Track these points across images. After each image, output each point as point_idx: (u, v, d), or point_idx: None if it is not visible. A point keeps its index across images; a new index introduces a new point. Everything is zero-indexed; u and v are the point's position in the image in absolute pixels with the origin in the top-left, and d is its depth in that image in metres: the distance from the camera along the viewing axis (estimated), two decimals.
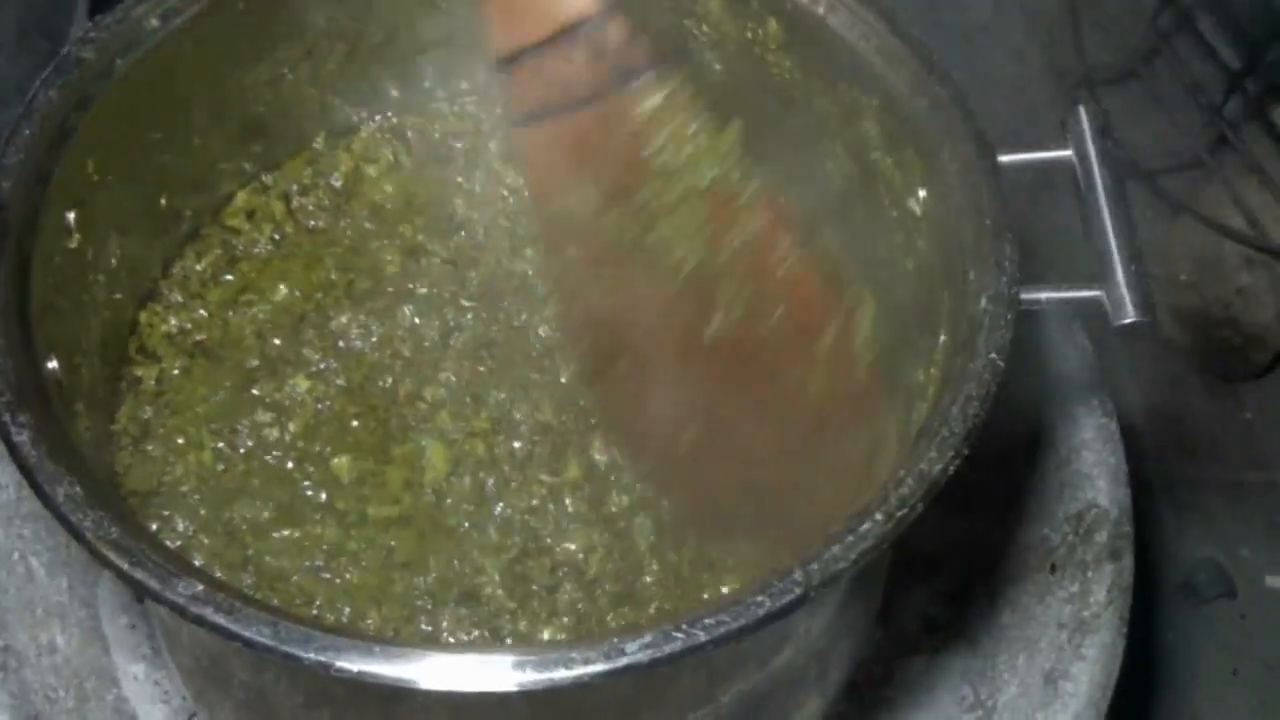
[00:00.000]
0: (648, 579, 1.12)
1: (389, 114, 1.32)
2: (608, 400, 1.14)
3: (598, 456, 1.16)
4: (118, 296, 1.14)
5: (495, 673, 0.82)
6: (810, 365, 1.06)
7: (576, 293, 1.13)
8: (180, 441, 1.14)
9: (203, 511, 1.11)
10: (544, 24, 1.04)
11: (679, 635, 0.83)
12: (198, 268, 1.22)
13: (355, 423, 1.16)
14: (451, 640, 1.05)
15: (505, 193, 1.30)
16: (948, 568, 1.34)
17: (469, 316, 1.23)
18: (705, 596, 1.10)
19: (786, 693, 1.14)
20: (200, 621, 0.83)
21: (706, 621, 0.84)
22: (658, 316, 1.08)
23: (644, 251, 1.07)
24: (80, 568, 1.28)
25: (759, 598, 0.85)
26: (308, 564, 1.10)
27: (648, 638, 0.83)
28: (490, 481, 1.15)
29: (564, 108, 1.05)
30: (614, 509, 1.14)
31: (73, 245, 1.05)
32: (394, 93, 1.31)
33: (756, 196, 1.07)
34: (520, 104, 1.06)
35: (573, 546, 1.12)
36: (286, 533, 1.11)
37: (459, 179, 1.31)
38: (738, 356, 1.07)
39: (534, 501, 1.14)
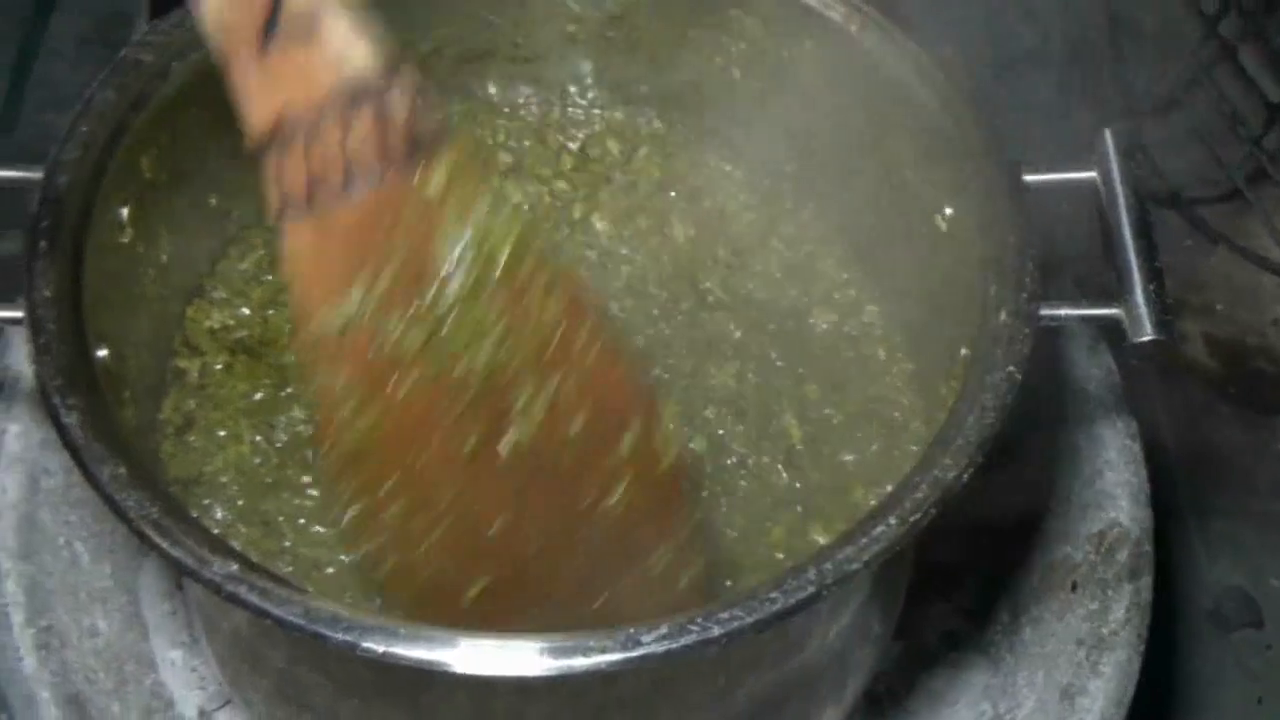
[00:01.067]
0: None
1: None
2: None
3: None
4: (166, 291, 1.18)
5: (515, 658, 0.85)
6: (613, 472, 0.95)
7: (346, 425, 0.94)
8: (221, 434, 1.18)
9: (241, 502, 1.15)
10: (312, 92, 0.87)
11: (694, 628, 0.86)
12: (241, 266, 1.26)
13: None
14: None
15: (524, 205, 1.34)
16: (969, 583, 1.36)
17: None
18: None
19: (804, 699, 1.15)
20: (234, 600, 0.87)
21: (721, 615, 0.87)
22: (444, 440, 0.94)
23: (428, 362, 0.92)
24: (123, 555, 1.32)
25: (772, 594, 0.87)
26: (344, 557, 1.13)
27: (664, 629, 0.86)
28: None
29: (334, 196, 0.89)
30: None
31: (125, 240, 1.09)
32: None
33: (554, 281, 0.93)
34: (281, 197, 0.89)
35: None
36: (321, 529, 1.14)
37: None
38: (538, 467, 0.94)
39: None
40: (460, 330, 0.91)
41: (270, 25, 0.84)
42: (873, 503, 1.13)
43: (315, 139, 0.86)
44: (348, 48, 0.86)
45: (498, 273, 0.90)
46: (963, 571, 1.36)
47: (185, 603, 1.31)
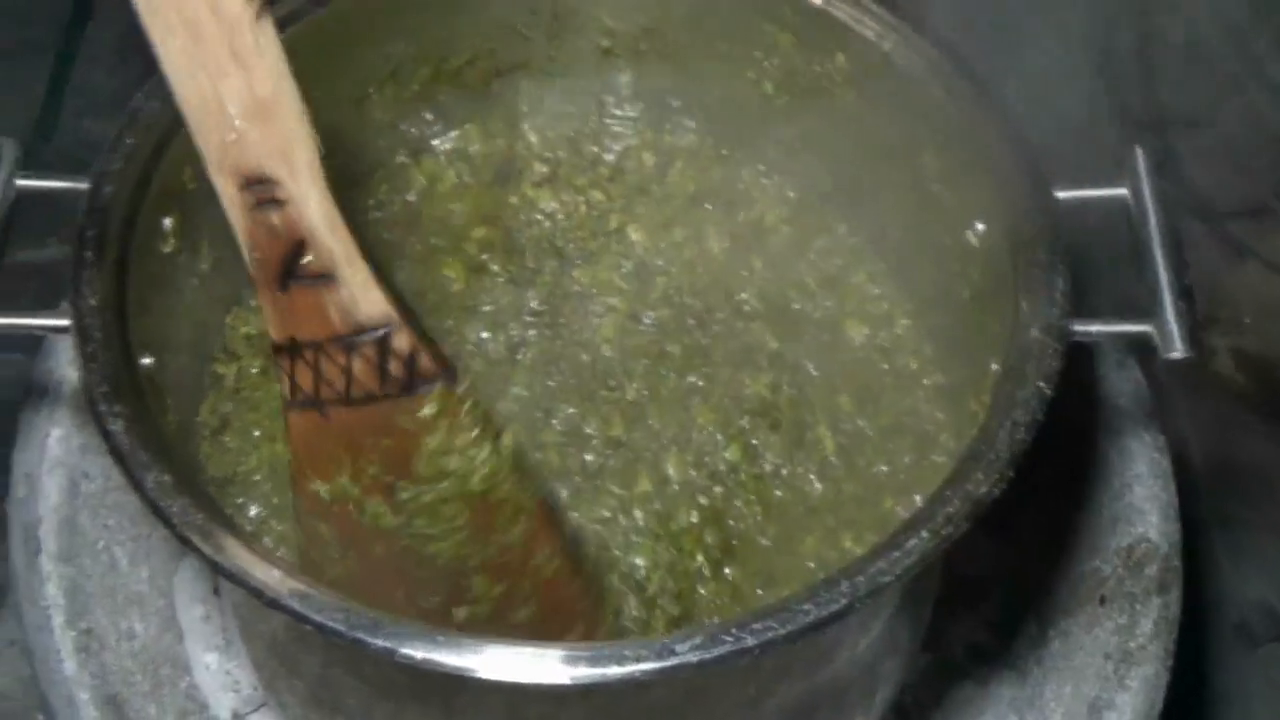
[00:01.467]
0: (703, 592, 1.16)
1: (465, 132, 1.37)
2: None
3: (670, 471, 1.20)
4: (206, 299, 1.20)
5: (550, 666, 0.86)
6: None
7: (326, 563, 1.06)
8: (255, 434, 1.20)
9: (275, 499, 1.17)
10: (323, 326, 0.98)
11: (728, 638, 0.87)
12: None
13: None
14: None
15: (560, 214, 1.35)
16: (997, 596, 1.36)
17: (533, 333, 1.28)
18: None
19: (832, 710, 1.16)
20: (276, 606, 0.88)
21: (754, 626, 0.88)
22: (408, 591, 1.05)
23: (401, 537, 1.04)
24: (160, 558, 1.34)
25: (805, 606, 0.89)
26: None
27: (698, 639, 0.87)
28: (564, 492, 1.19)
29: (337, 402, 1.00)
30: (681, 525, 1.18)
31: (168, 250, 1.11)
32: (469, 113, 1.36)
33: (523, 509, 1.05)
34: (291, 388, 1.00)
35: (639, 561, 1.16)
36: None
37: (513, 199, 1.36)
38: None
39: (605, 513, 1.18)
40: (432, 524, 1.03)
41: (290, 271, 0.96)
42: (903, 514, 1.15)
43: (323, 356, 0.98)
44: (361, 296, 0.96)
45: (470, 493, 1.03)
46: (990, 584, 1.37)
47: (220, 607, 1.33)
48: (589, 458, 1.20)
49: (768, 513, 1.19)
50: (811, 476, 1.20)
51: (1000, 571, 1.36)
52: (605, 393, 1.24)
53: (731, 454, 1.20)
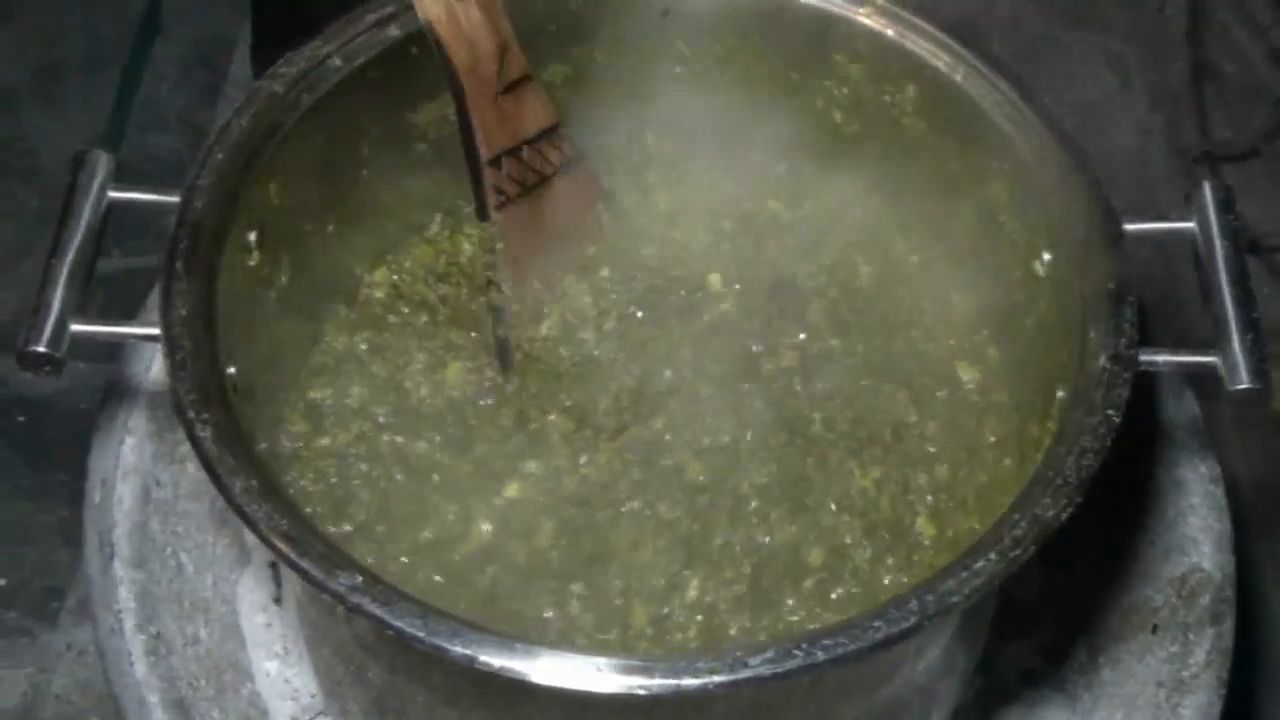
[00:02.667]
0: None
1: None
2: None
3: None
4: (283, 311, 1.22)
5: (628, 677, 0.88)
6: None
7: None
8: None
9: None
10: (521, 130, 1.25)
11: (799, 653, 0.89)
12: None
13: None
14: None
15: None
16: (1049, 622, 1.37)
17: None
18: None
19: None
20: (358, 611, 0.90)
21: (825, 642, 0.90)
22: None
23: None
24: (224, 566, 1.37)
25: (875, 623, 0.90)
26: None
27: (770, 653, 0.89)
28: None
29: (527, 191, 1.27)
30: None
31: (251, 263, 1.14)
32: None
33: None
34: (497, 195, 1.25)
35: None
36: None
37: None
38: None
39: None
40: None
41: (501, 78, 1.22)
42: (949, 533, 1.18)
43: (519, 157, 1.26)
44: (541, 105, 1.27)
45: None
46: (1042, 610, 1.37)
47: (280, 615, 1.35)
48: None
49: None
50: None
51: (1052, 597, 1.37)
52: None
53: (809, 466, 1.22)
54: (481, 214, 1.26)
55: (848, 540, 1.17)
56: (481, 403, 1.25)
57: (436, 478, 1.20)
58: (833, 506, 1.19)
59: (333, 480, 1.19)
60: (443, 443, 1.22)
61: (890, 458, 1.22)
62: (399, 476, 1.20)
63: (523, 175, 1.26)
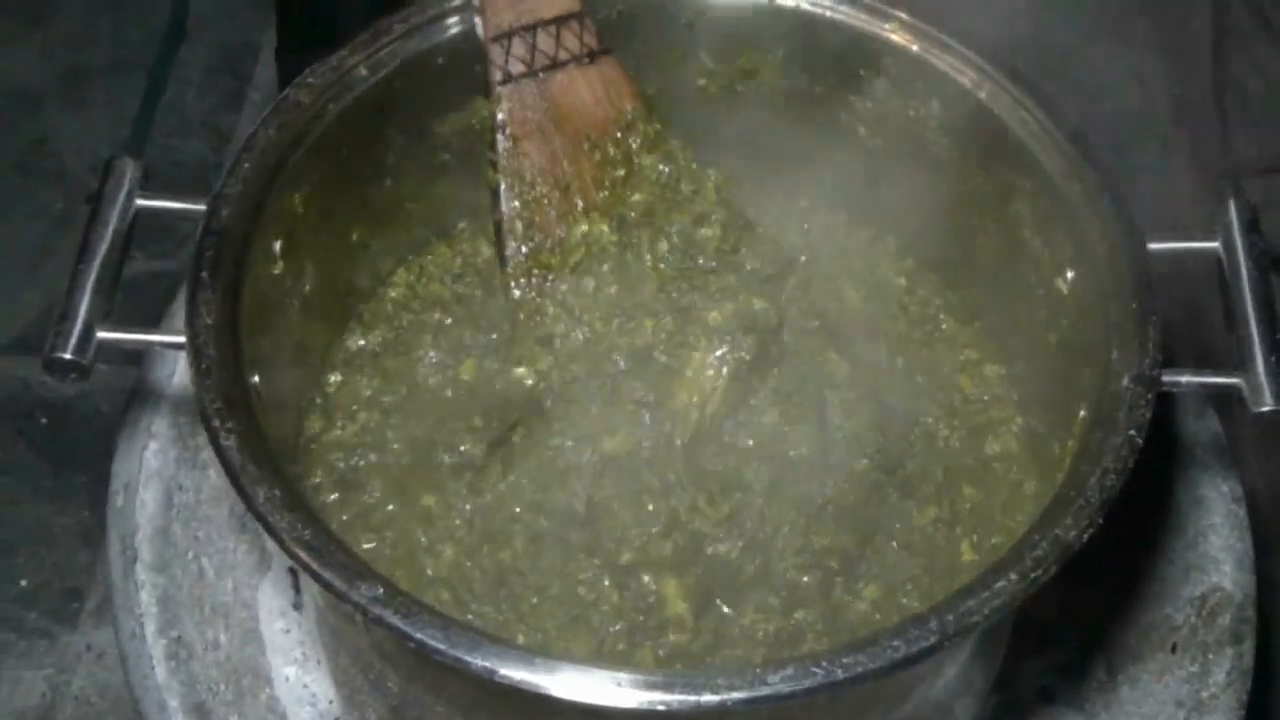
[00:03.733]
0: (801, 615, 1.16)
1: None
2: None
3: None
4: (307, 320, 1.23)
5: (648, 692, 0.88)
6: None
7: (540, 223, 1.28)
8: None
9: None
10: (532, 15, 1.26)
11: (818, 670, 0.89)
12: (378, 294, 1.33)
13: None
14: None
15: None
16: (1067, 640, 1.37)
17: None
18: None
19: None
20: (379, 622, 0.91)
21: (844, 660, 0.90)
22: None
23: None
24: (244, 571, 1.37)
25: (895, 642, 0.90)
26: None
27: (789, 670, 0.89)
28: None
29: (548, 68, 1.27)
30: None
31: (276, 272, 1.14)
32: None
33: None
34: (503, 71, 1.25)
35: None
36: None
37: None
38: None
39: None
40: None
41: None
42: (974, 556, 1.18)
43: (530, 39, 1.26)
44: None
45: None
46: (1060, 627, 1.37)
47: (299, 621, 1.35)
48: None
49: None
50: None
51: (1071, 615, 1.37)
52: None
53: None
54: (486, 90, 1.27)
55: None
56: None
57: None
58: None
59: (341, 469, 1.21)
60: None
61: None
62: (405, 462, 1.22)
63: (531, 57, 1.26)
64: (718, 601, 1.14)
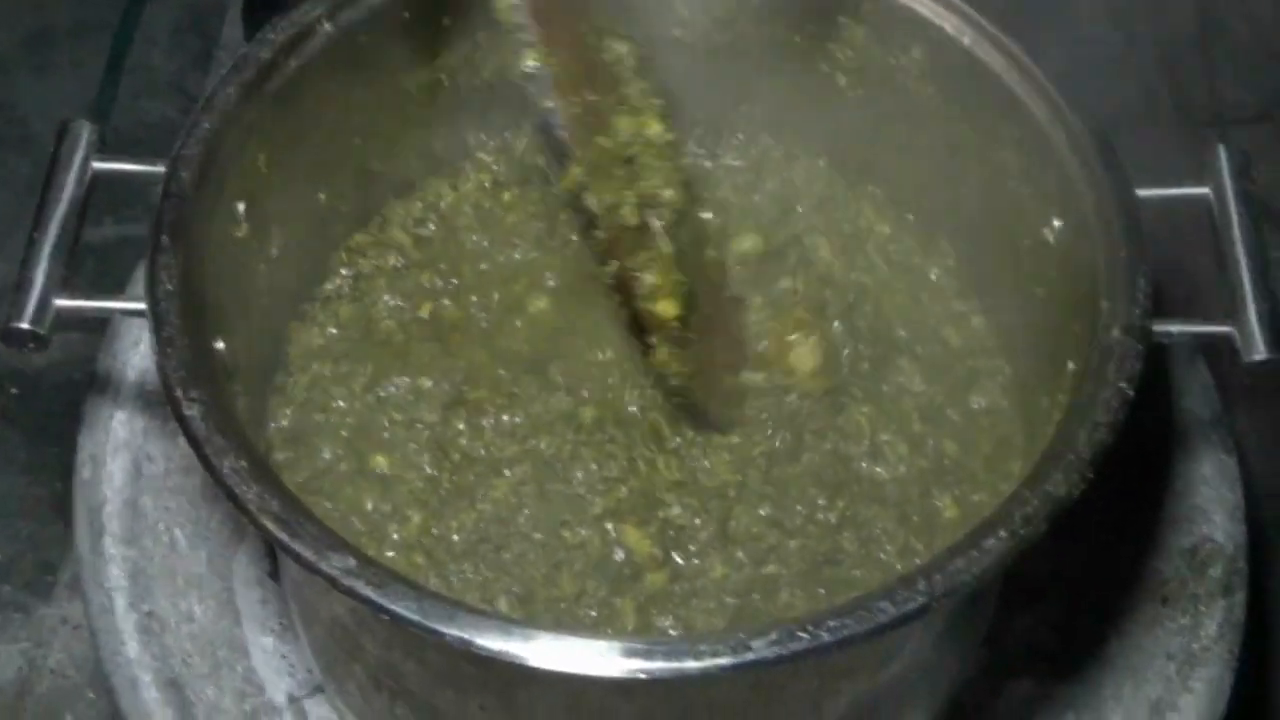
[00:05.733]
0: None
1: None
2: None
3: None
4: (274, 285, 1.20)
5: (630, 660, 0.86)
6: None
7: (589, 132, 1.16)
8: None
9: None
10: None
11: (804, 635, 0.87)
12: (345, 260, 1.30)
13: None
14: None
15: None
16: (1055, 594, 1.35)
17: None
18: None
19: (893, 707, 1.16)
20: (351, 594, 0.88)
21: (830, 623, 0.87)
22: None
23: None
24: (219, 541, 1.35)
25: (883, 604, 0.88)
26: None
27: (774, 635, 0.87)
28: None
29: None
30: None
31: (240, 235, 1.11)
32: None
33: None
34: None
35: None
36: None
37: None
38: None
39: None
40: None
41: None
42: (956, 511, 1.17)
43: None
44: None
45: None
46: (1048, 582, 1.35)
47: (276, 591, 1.33)
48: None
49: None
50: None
51: (1059, 569, 1.35)
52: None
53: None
54: None
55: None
56: None
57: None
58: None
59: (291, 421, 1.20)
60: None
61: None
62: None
63: None
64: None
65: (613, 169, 1.15)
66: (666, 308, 1.15)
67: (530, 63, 1.13)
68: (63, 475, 1.78)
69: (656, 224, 1.15)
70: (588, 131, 1.16)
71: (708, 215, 1.33)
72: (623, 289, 1.16)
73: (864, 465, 1.19)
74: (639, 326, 1.17)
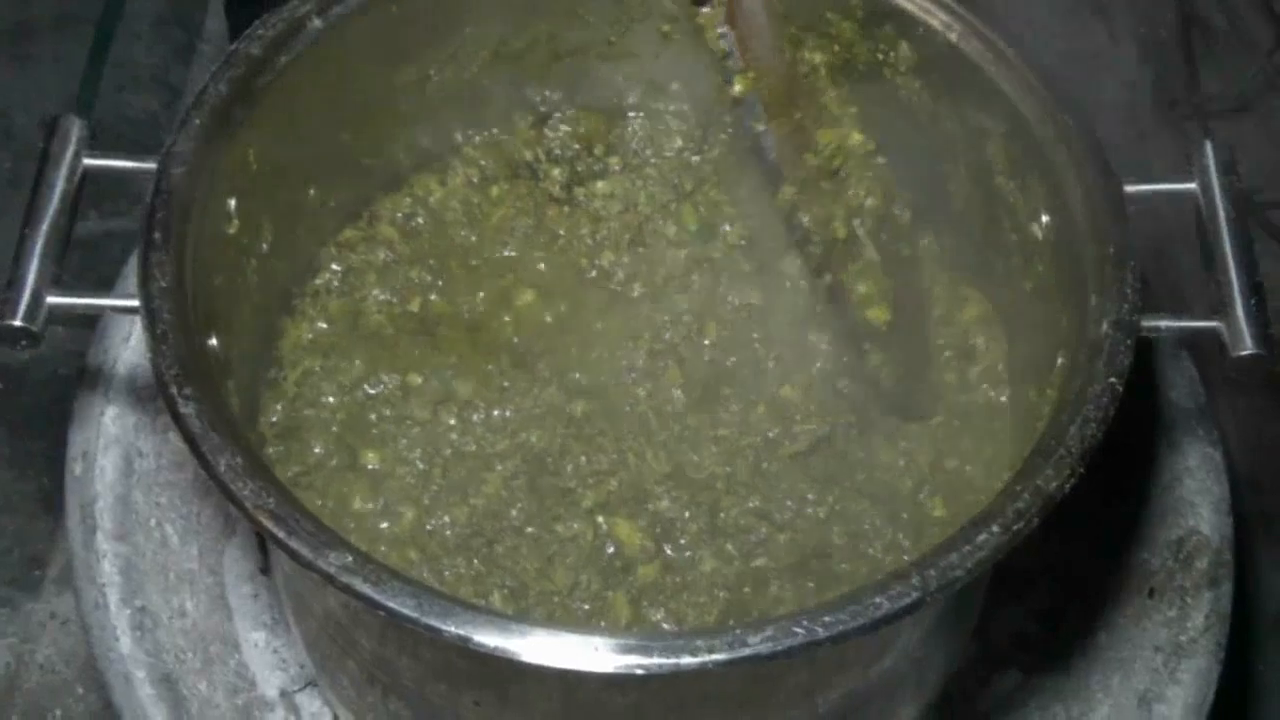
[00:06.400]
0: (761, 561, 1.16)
1: (537, 111, 1.38)
2: None
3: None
4: (265, 281, 1.20)
5: (625, 656, 0.86)
6: None
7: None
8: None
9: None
10: None
11: (799, 630, 0.87)
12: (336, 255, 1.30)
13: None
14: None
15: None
16: (1043, 586, 1.36)
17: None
18: None
19: (883, 700, 1.16)
20: (348, 590, 0.88)
21: (825, 619, 0.88)
22: None
23: None
24: (210, 536, 1.35)
25: (877, 599, 0.89)
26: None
27: (769, 630, 0.87)
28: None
29: None
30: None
31: (231, 231, 1.11)
32: (535, 96, 1.36)
33: None
34: None
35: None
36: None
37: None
38: None
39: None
40: None
41: None
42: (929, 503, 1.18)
43: None
44: None
45: None
46: (1036, 574, 1.36)
47: (267, 586, 1.33)
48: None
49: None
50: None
51: (1047, 562, 1.36)
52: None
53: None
54: None
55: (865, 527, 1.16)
56: None
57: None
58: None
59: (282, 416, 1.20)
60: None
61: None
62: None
63: None
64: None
65: (820, 183, 1.18)
66: (878, 314, 1.19)
67: (739, 88, 1.18)
68: (49, 470, 1.79)
69: (862, 232, 1.18)
70: (796, 150, 1.20)
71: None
72: (839, 299, 1.19)
73: (854, 459, 1.19)
74: (855, 335, 1.20)
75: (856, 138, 1.21)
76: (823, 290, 1.19)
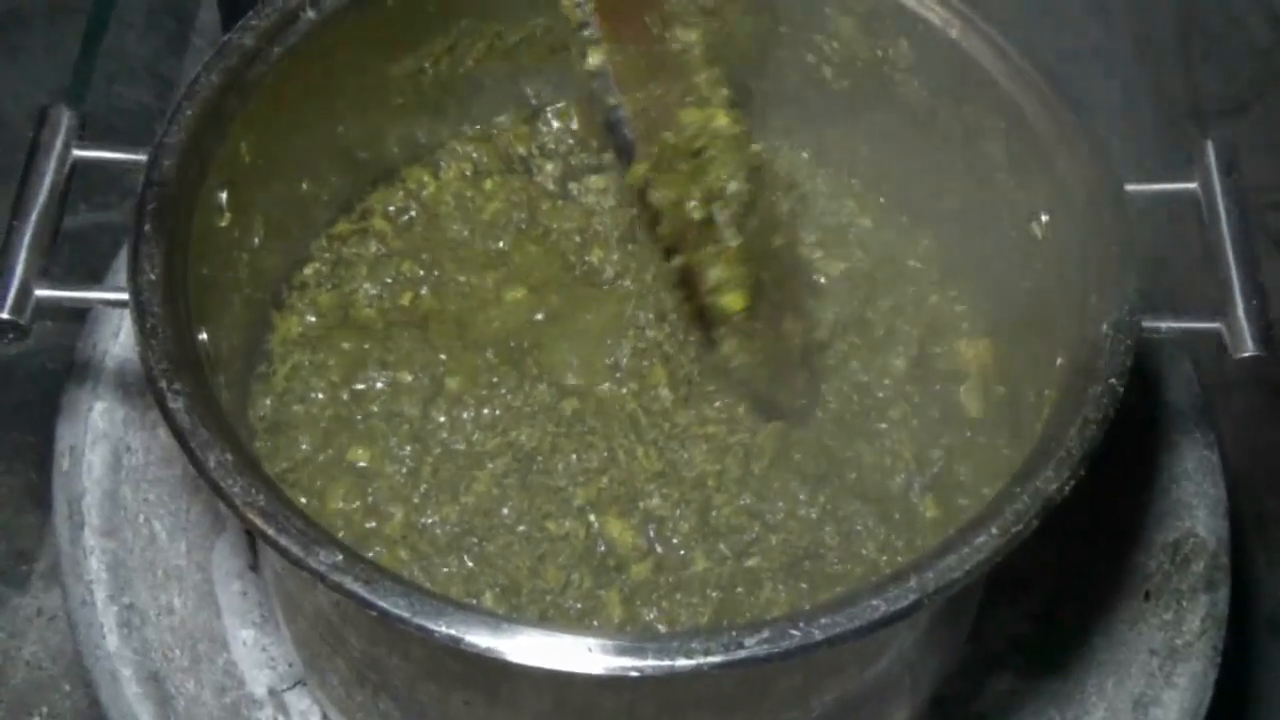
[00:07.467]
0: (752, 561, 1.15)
1: (531, 105, 1.37)
2: None
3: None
4: (258, 273, 1.19)
5: (619, 658, 0.86)
6: None
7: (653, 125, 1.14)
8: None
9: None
10: None
11: (795, 632, 0.87)
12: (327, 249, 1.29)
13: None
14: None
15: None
16: (1039, 589, 1.35)
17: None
18: None
19: (877, 702, 1.16)
20: (338, 589, 0.88)
21: (822, 621, 0.87)
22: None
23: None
24: (198, 533, 1.34)
25: (874, 601, 0.88)
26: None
27: (766, 633, 0.86)
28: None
29: None
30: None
31: (223, 224, 1.10)
32: (529, 90, 1.36)
33: None
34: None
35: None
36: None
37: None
38: None
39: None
40: None
41: None
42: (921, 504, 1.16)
43: None
44: None
45: None
46: (1031, 577, 1.36)
47: (256, 583, 1.32)
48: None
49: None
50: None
51: (1043, 563, 1.35)
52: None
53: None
54: None
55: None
56: None
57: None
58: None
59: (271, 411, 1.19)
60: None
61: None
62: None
63: None
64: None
65: (678, 164, 1.13)
66: (733, 301, 1.14)
67: (594, 60, 1.12)
68: (37, 465, 1.77)
69: (722, 217, 1.13)
70: (654, 126, 1.13)
71: None
72: (688, 284, 1.15)
73: (845, 458, 1.19)
74: (705, 320, 1.16)
75: (723, 120, 1.15)
76: (672, 273, 1.15)
